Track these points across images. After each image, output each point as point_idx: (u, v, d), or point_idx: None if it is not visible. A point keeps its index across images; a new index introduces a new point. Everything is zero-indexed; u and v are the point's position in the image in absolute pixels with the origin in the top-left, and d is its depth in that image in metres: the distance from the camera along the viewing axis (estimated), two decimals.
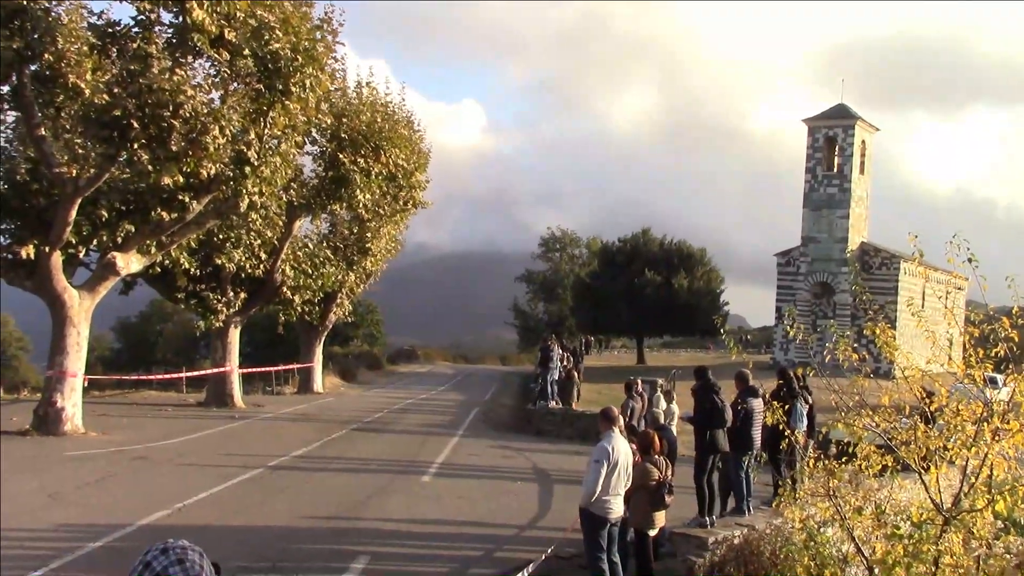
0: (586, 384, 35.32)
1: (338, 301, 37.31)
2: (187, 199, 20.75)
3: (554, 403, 26.52)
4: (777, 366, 26.90)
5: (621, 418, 9.51)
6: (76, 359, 20.49)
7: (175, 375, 36.66)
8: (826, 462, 7.84)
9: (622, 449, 8.84)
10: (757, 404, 12.01)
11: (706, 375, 12.32)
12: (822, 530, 8.07)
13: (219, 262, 27.12)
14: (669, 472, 9.98)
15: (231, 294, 28.91)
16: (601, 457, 8.59)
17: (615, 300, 62.53)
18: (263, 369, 38.96)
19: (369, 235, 34.66)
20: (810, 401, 14.03)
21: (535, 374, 32.20)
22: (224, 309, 28.56)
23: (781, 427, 8.56)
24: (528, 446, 22.16)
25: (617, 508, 8.78)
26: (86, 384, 22.26)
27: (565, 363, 29.26)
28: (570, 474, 17.16)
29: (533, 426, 25.94)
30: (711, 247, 70.13)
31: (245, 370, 34.89)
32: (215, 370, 30.22)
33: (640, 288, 61.78)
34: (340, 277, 33.90)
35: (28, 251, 19.48)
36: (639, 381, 20.02)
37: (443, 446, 20.94)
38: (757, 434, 12.08)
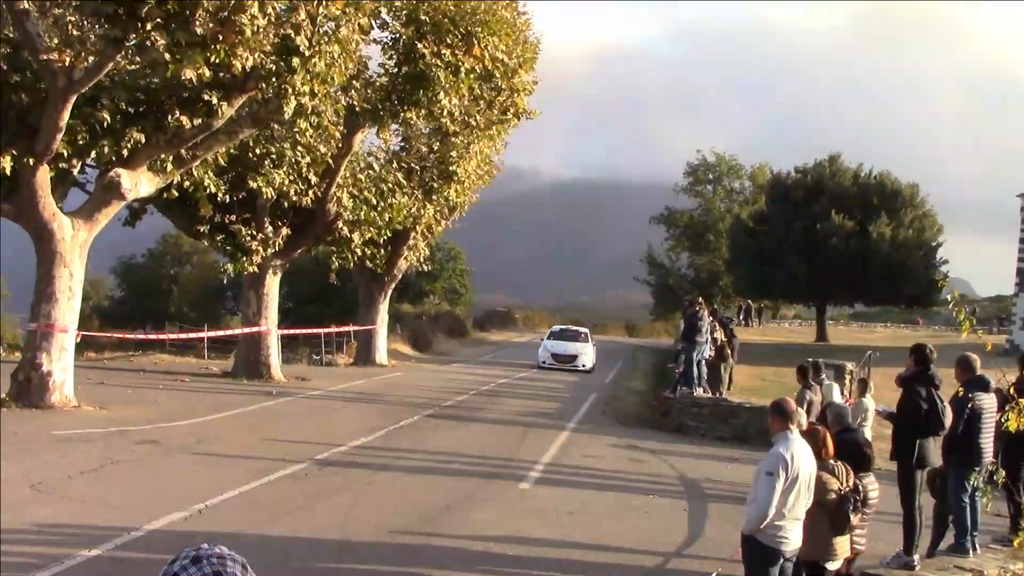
0: (743, 366, 34.98)
1: (411, 243, 37.63)
2: (215, 100, 20.87)
3: (701, 390, 26.29)
4: (1019, 351, 26.13)
5: (802, 414, 9.31)
6: (67, 309, 20.95)
7: (194, 333, 37.57)
8: None
9: (803, 457, 8.65)
10: (988, 402, 11.66)
11: (926, 357, 11.95)
12: None
13: (255, 186, 27.30)
14: (852, 480, 9.76)
15: (270, 229, 29.28)
16: (775, 468, 8.41)
17: (788, 252, 61.65)
18: (310, 330, 39.61)
19: (455, 154, 34.72)
20: None
21: (676, 350, 31.94)
22: (260, 249, 28.94)
23: None
24: (665, 447, 22.09)
25: (794, 537, 8.64)
26: (79, 342, 22.81)
27: (718, 337, 28.96)
28: (726, 487, 17.04)
29: (672, 420, 25.83)
30: (924, 182, 68.43)
31: (286, 331, 35.50)
32: (247, 329, 30.78)
33: (824, 236, 60.71)
34: (414, 210, 34.08)
35: (3, 163, 19.50)
36: (819, 365, 19.64)
37: (549, 443, 21.00)
38: (988, 443, 11.77)
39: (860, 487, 9.63)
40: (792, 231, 62.29)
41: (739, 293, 75.35)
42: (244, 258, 28.91)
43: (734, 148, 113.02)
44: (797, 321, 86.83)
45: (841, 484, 9.48)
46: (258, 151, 26.84)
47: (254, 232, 28.92)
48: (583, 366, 43.09)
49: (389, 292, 40.18)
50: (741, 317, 72.31)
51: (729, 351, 29.44)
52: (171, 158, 22.28)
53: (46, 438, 16.83)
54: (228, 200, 27.17)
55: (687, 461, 20.29)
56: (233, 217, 28.53)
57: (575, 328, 51.21)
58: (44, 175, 20.41)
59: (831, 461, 9.59)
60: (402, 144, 36.34)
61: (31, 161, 19.91)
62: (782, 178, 70.48)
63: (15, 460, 14.64)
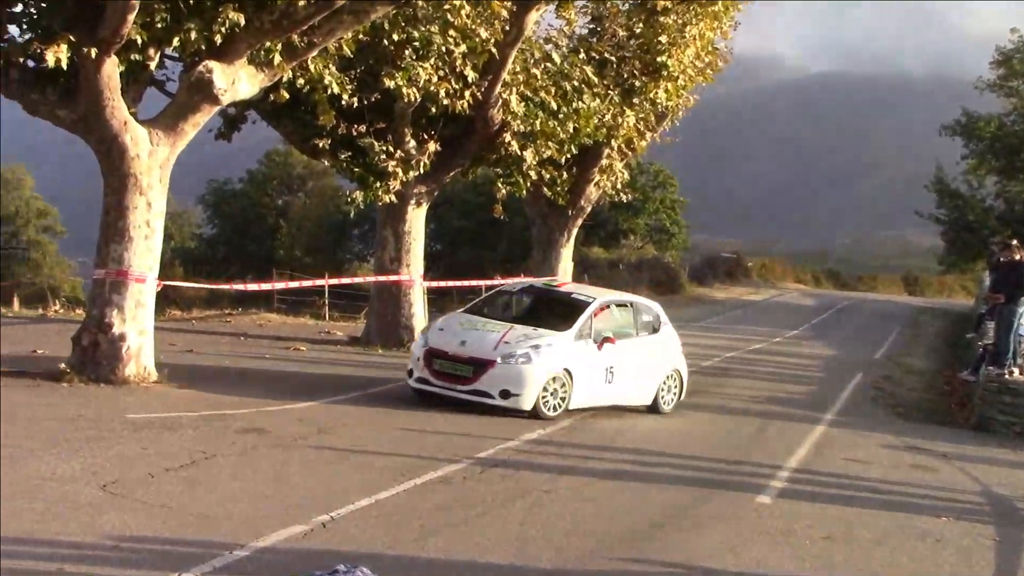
0: None
1: (603, 163, 37.48)
2: None
3: (1016, 371, 25.71)
4: None
5: None
6: (145, 251, 21.19)
7: (309, 282, 38.02)
8: None
9: None
10: None
11: None
12: None
13: (391, 85, 27.28)
14: None
15: (412, 144, 29.44)
16: None
17: None
18: (466, 283, 39.87)
19: (665, 40, 34.29)
20: None
21: (978, 314, 31.34)
22: (400, 171, 29.02)
23: None
24: (962, 450, 21.85)
25: None
26: (160, 294, 22.76)
27: None
28: None
29: (972, 413, 25.40)
30: None
31: (435, 283, 35.79)
32: (382, 278, 31.15)
33: None
34: (608, 118, 33.81)
35: (58, 53, 19.28)
36: None
37: (798, 440, 20.97)
38: None
39: None
40: None
41: None
42: (378, 184, 28.95)
43: None
44: None
45: None
46: (396, 38, 26.83)
47: (391, 148, 28.91)
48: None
49: (574, 231, 40.16)
50: None
51: None
52: (279, 47, 22.10)
53: (119, 423, 17.15)
54: (356, 105, 27.23)
55: (994, 471, 20.01)
56: (363, 128, 28.54)
57: (573, 293, 23.58)
58: (112, 70, 20.31)
59: None
60: (592, 27, 36.09)
61: (94, 52, 19.69)
62: None
63: (81, 451, 14.95)
